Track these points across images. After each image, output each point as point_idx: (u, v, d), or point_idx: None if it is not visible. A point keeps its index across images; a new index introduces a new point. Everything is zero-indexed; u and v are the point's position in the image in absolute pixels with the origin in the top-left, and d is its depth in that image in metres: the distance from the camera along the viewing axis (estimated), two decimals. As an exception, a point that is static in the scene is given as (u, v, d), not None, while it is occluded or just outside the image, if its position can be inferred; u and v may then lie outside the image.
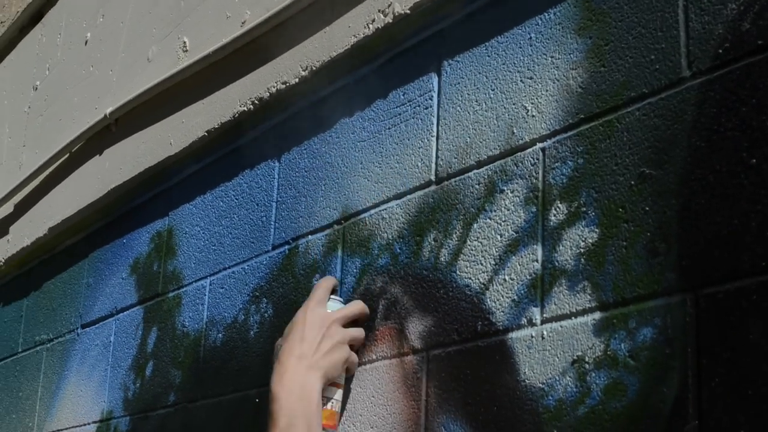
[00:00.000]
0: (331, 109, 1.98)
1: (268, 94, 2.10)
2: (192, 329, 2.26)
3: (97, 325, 2.69)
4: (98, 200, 2.70)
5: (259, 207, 2.13)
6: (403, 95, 1.81)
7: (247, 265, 2.12)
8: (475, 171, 1.63)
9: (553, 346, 1.42)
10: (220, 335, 2.15)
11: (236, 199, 2.21)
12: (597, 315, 1.38)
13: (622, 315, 1.34)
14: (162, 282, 2.42)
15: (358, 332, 1.74)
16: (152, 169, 2.48)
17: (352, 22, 1.89)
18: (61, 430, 2.74)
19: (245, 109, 2.16)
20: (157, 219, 2.51)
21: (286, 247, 2.02)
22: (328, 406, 1.70)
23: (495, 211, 1.57)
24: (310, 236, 1.96)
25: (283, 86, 2.06)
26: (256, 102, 2.13)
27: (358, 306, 1.76)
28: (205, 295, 2.24)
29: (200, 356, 2.20)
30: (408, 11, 1.76)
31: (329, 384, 1.70)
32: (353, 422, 1.75)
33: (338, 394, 1.73)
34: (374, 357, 1.74)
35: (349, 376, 1.76)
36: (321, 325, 1.70)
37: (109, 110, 2.66)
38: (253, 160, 2.18)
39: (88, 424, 2.60)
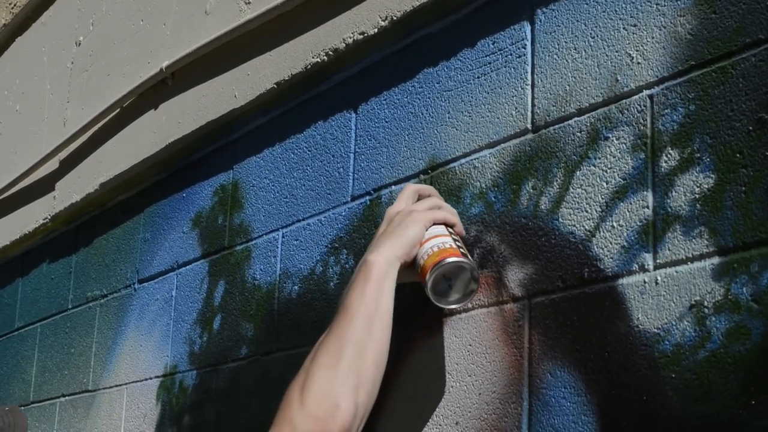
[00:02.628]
0: (413, 59, 1.98)
1: (344, 44, 2.09)
2: (264, 282, 2.27)
3: (156, 280, 2.69)
4: (154, 155, 2.70)
5: (335, 158, 2.13)
6: (493, 44, 1.81)
7: (324, 217, 2.12)
8: (576, 119, 1.63)
9: (668, 291, 1.43)
10: (296, 287, 2.16)
11: (309, 150, 2.21)
12: (716, 260, 1.38)
13: (743, 259, 1.35)
14: (228, 235, 2.42)
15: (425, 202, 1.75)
16: (215, 122, 2.47)
17: (437, -29, 1.88)
18: (121, 385, 2.75)
19: (318, 60, 2.16)
20: (221, 172, 2.51)
21: (367, 197, 2.02)
22: (424, 257, 1.67)
23: (599, 158, 1.57)
24: (393, 186, 1.97)
25: (361, 37, 2.05)
26: (331, 53, 2.13)
27: (407, 189, 1.77)
28: (277, 247, 2.25)
29: (274, 309, 2.21)
30: (499, -41, 1.76)
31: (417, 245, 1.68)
32: (449, 371, 1.76)
33: (429, 244, 1.67)
34: (470, 306, 1.74)
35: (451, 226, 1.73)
36: (386, 219, 1.74)
37: (165, 64, 2.66)
38: (327, 111, 2.18)
39: (151, 378, 2.61)
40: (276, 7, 2.28)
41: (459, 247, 1.69)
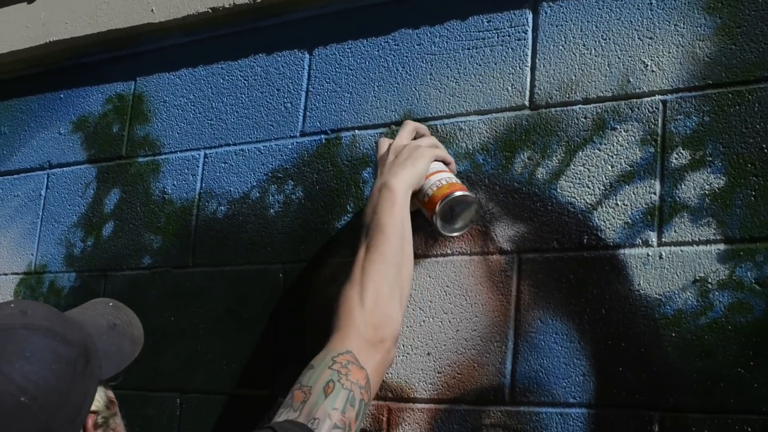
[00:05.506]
0: (389, 17, 2.15)
1: (305, -14, 2.21)
2: (178, 197, 2.35)
3: (15, 176, 2.65)
4: (25, 50, 2.64)
5: (280, 92, 2.26)
6: (488, 22, 2.03)
7: (263, 146, 2.25)
8: (581, 106, 1.90)
9: (672, 265, 1.75)
10: (222, 208, 2.27)
11: (245, 80, 2.31)
12: (721, 246, 1.72)
13: (749, 250, 1.69)
14: (127, 145, 2.46)
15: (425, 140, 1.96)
16: (119, 32, 2.48)
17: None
18: (-45, 275, 2.69)
19: (272, -5, 2.26)
20: (118, 81, 2.52)
21: (322, 136, 2.18)
22: (432, 188, 1.88)
23: (605, 144, 1.85)
24: (357, 131, 2.14)
25: (329, -15, 2.19)
26: (288, -9, 2.24)
27: (408, 125, 1.96)
28: (197, 166, 2.33)
29: (192, 225, 2.30)
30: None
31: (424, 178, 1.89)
32: (421, 307, 1.98)
33: (435, 177, 1.89)
34: (448, 251, 1.97)
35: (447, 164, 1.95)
36: (393, 150, 1.92)
37: (52, -42, 2.61)
38: (273, 47, 2.29)
39: (6, 274, 2.59)
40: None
41: (462, 182, 1.92)
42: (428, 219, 1.90)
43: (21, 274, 2.56)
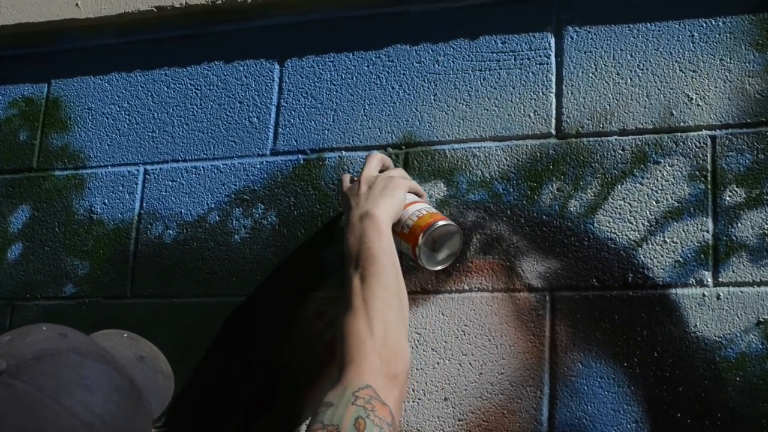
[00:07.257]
0: (380, 31, 1.98)
1: (282, -9, 2.01)
2: (110, 218, 2.05)
3: None
4: None
5: (243, 106, 2.03)
6: (502, 44, 1.91)
7: (223, 164, 2.01)
8: (617, 137, 1.80)
9: (732, 307, 1.68)
10: (170, 232, 2.00)
11: (196, 89, 2.06)
12: (787, 288, 1.66)
13: (817, 293, 1.65)
14: (40, 156, 2.13)
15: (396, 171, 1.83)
16: (29, 26, 2.16)
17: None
18: None
19: (237, -1, 2.04)
20: (25, 83, 2.19)
21: (300, 156, 1.97)
22: (413, 218, 1.75)
23: (647, 178, 1.77)
24: (345, 152, 1.95)
25: (311, -10, 2.00)
26: (259, -5, 2.03)
27: (375, 157, 1.83)
28: (136, 183, 2.05)
29: (130, 250, 2.02)
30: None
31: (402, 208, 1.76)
32: (435, 348, 1.80)
33: (413, 207, 1.77)
34: (465, 287, 1.81)
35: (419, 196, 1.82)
36: (364, 181, 1.77)
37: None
38: (231, 54, 2.06)
39: None
40: None
41: (441, 212, 1.80)
42: (408, 252, 1.76)
43: None
